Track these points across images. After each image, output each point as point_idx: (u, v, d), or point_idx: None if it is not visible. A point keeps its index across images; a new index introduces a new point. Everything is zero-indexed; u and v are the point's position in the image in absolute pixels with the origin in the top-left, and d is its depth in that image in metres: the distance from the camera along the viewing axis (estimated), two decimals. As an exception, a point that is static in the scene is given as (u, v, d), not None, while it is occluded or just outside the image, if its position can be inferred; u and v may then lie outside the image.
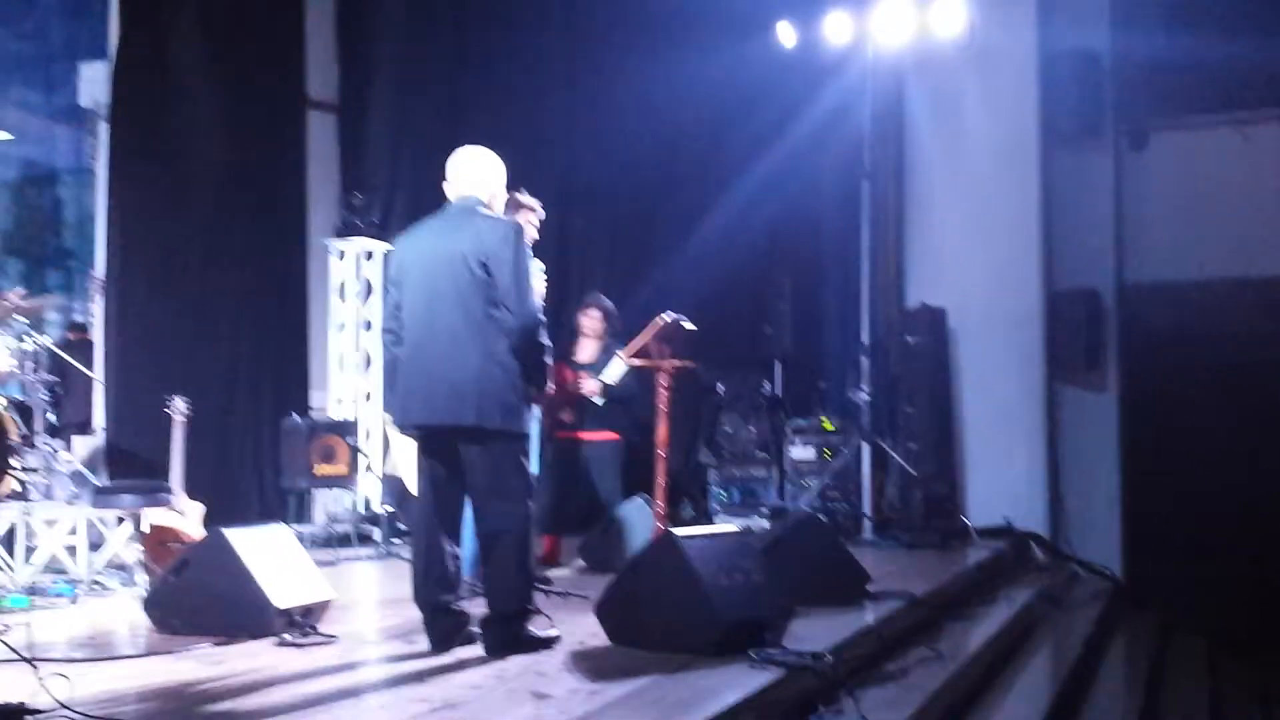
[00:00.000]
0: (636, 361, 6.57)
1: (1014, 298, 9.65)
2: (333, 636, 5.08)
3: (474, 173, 4.96)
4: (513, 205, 6.03)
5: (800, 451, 9.61)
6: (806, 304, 10.22)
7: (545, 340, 4.73)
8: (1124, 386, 10.05)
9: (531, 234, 6.17)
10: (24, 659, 4.25)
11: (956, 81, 9.59)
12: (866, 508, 9.15)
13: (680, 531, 4.87)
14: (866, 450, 9.18)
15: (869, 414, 9.15)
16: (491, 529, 4.71)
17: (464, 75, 9.99)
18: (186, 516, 6.69)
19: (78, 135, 10.05)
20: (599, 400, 7.16)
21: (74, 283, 10.33)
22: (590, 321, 7.48)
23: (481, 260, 4.65)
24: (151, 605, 5.34)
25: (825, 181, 10.06)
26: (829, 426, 9.56)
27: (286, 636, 5.04)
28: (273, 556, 5.37)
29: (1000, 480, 9.58)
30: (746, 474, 9.80)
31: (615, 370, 7.10)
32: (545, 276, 6.19)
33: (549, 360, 4.79)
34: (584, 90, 9.96)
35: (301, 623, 5.17)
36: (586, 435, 7.33)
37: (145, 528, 6.58)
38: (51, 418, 7.81)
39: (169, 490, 6.75)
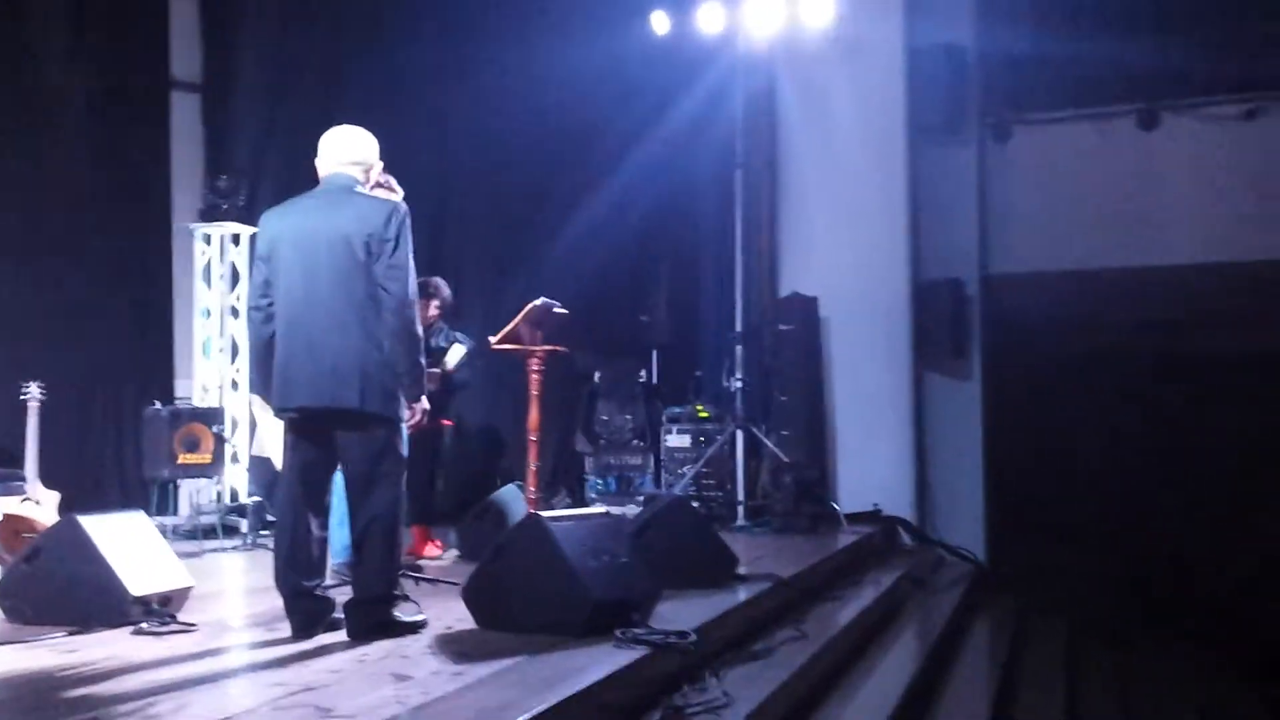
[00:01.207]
0: (506, 346, 6.52)
1: (882, 287, 9.82)
2: (192, 625, 4.97)
3: (350, 151, 4.87)
4: (374, 188, 5.95)
5: (676, 439, 9.67)
6: (683, 293, 10.30)
7: (418, 331, 4.65)
8: (987, 374, 10.29)
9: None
10: None
11: (826, 73, 9.72)
12: (740, 494, 9.24)
13: (547, 514, 4.86)
14: (740, 437, 9.26)
15: (743, 401, 9.23)
16: (366, 514, 4.64)
17: (335, 57, 9.82)
18: (41, 505, 6.48)
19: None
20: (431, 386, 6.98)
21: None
22: (424, 305, 6.97)
23: (365, 240, 4.57)
24: (2, 594, 5.17)
25: (701, 170, 10.12)
26: (704, 414, 9.64)
27: (144, 625, 4.92)
28: (129, 544, 5.23)
29: (870, 466, 9.75)
30: (623, 462, 9.84)
31: (454, 356, 6.96)
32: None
33: (423, 359, 4.69)
34: (460, 74, 9.85)
35: (159, 611, 5.04)
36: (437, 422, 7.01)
37: (-3, 517, 6.36)
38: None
39: (22, 478, 6.53)
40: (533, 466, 6.43)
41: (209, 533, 8.30)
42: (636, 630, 4.47)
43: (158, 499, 8.60)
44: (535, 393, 6.48)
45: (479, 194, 9.90)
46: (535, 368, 6.51)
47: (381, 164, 5.00)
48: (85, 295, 9.16)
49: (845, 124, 9.77)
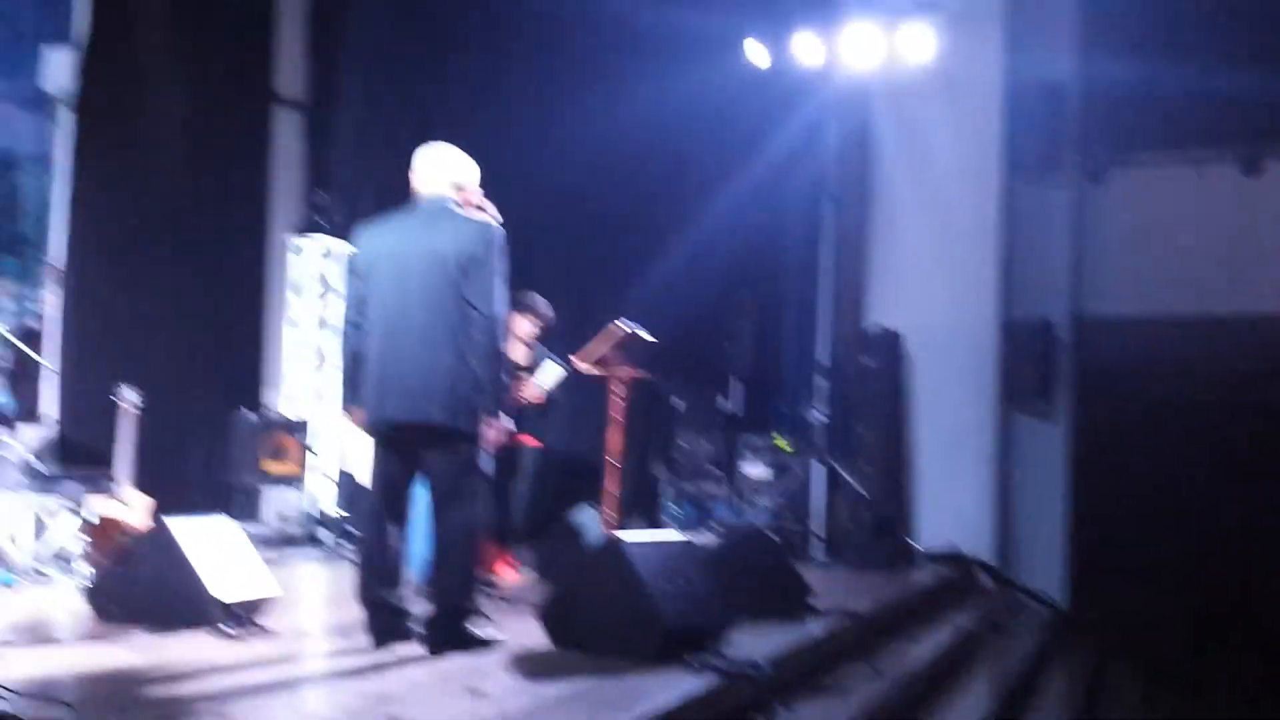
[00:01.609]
0: (592, 370, 6.57)
1: (970, 324, 9.72)
2: (272, 630, 5.06)
3: (447, 171, 4.97)
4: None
5: (754, 469, 9.65)
6: (768, 323, 10.28)
7: (504, 349, 4.72)
8: (1074, 417, 10.15)
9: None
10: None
11: (923, 107, 9.67)
12: (817, 527, 9.19)
13: (626, 536, 4.89)
14: (819, 470, 9.22)
15: (823, 434, 9.19)
16: (446, 529, 4.71)
17: (434, 80, 9.98)
18: (132, 507, 6.63)
19: (39, 121, 9.95)
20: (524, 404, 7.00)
21: (29, 270, 10.21)
22: (526, 324, 7.10)
23: (459, 260, 4.65)
24: (95, 594, 5.30)
25: (790, 201, 10.11)
26: (783, 445, 9.61)
27: (225, 628, 5.01)
28: (216, 549, 5.34)
29: (950, 505, 9.64)
30: (700, 489, 9.83)
31: (550, 375, 6.93)
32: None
33: (506, 378, 4.77)
34: (554, 100, 9.97)
35: (242, 616, 5.13)
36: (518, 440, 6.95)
37: (90, 517, 6.52)
38: (2, 399, 7.74)
39: (113, 480, 6.69)
40: (611, 490, 6.45)
41: (292, 542, 8.45)
42: (708, 658, 4.47)
43: (244, 506, 8.77)
44: (618, 418, 6.51)
45: (570, 218, 9.98)
46: (619, 393, 6.53)
47: (477, 184, 5.06)
48: (182, 303, 9.38)
49: (940, 159, 9.71)
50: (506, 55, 10.02)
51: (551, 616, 4.90)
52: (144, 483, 7.21)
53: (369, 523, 4.81)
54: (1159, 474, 10.14)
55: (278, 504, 9.29)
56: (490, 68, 9.98)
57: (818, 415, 9.19)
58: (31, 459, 7.57)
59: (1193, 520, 9.89)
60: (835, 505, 9.29)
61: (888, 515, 8.88)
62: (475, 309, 4.58)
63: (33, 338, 9.45)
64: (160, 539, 5.23)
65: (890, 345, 9.57)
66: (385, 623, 4.76)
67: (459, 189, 4.92)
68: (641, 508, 9.92)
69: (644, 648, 4.56)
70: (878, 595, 7.20)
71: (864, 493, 8.93)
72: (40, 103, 9.97)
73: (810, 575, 6.92)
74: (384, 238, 4.84)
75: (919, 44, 9.20)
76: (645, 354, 6.66)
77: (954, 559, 9.27)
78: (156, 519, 5.48)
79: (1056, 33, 9.94)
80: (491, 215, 6.11)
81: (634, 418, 9.31)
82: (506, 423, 4.77)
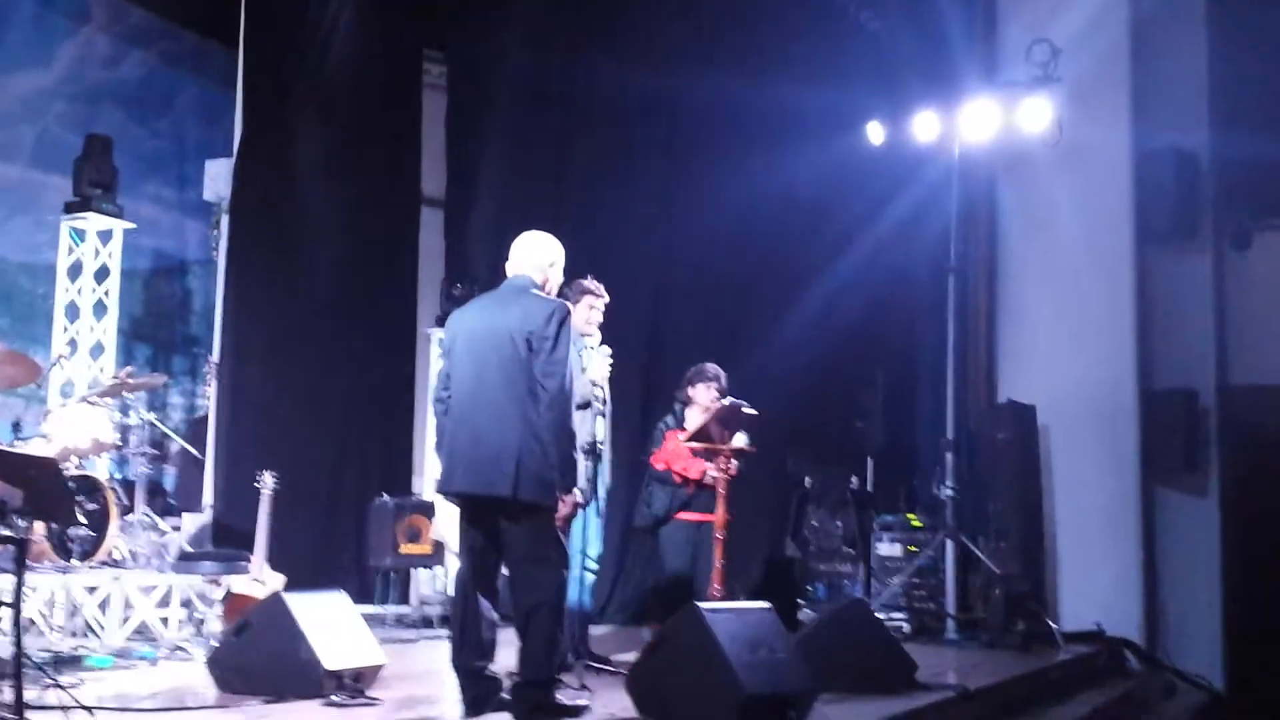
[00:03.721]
0: (696, 445, 6.69)
1: (1108, 396, 9.49)
2: (376, 699, 5.29)
3: (530, 254, 5.22)
4: (578, 290, 6.28)
5: (887, 548, 9.56)
6: (899, 398, 10.23)
7: (572, 426, 4.89)
8: (1226, 491, 9.75)
9: (595, 318, 6.40)
10: (82, 707, 4.59)
11: (1047, 178, 9.58)
12: (950, 606, 9.04)
13: (706, 605, 4.97)
14: (950, 547, 9.09)
15: (953, 510, 9.07)
16: (525, 599, 4.88)
17: (565, 169, 10.39)
18: (266, 585, 6.99)
19: (204, 228, 10.72)
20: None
21: (198, 368, 10.93)
22: (708, 393, 7.07)
23: (526, 337, 4.88)
24: (214, 664, 5.63)
25: (918, 275, 10.10)
26: (916, 522, 9.51)
27: (333, 697, 5.26)
28: (329, 621, 5.61)
29: (1093, 583, 9.36)
30: (833, 569, 9.79)
31: (742, 439, 6.81)
32: (612, 361, 6.34)
33: (576, 454, 4.93)
34: (681, 183, 10.23)
35: (350, 685, 5.38)
36: (703, 516, 6.82)
37: (226, 596, 6.91)
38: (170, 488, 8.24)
39: (248, 560, 7.07)
40: (717, 564, 6.51)
41: (429, 623, 8.73)
42: (787, 726, 4.51)
43: (387, 587, 9.12)
44: (722, 492, 6.59)
45: (694, 297, 10.15)
46: (723, 468, 6.62)
47: (559, 268, 5.27)
48: (335, 395, 9.88)
49: (1068, 228, 9.59)
50: (633, 138, 10.34)
51: (638, 685, 5.01)
52: (289, 564, 7.61)
53: (458, 594, 5.01)
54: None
55: (421, 586, 9.63)
56: (619, 150, 10.32)
57: (947, 491, 9.08)
58: (182, 542, 8.06)
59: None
60: (968, 583, 9.12)
61: (1022, 593, 8.66)
62: (543, 386, 4.78)
63: (202, 432, 10.09)
64: (276, 611, 5.53)
65: (1022, 418, 9.41)
66: (477, 691, 4.94)
67: (540, 270, 5.15)
68: (776, 588, 9.91)
69: (725, 716, 4.62)
70: (999, 673, 7.05)
71: (996, 570, 8.76)
72: (205, 211, 10.75)
73: (940, 655, 6.86)
74: (465, 317, 5.13)
75: (1038, 115, 9.15)
76: (750, 427, 6.72)
77: (1097, 638, 8.98)
78: (274, 593, 5.79)
79: (1185, 100, 9.74)
80: (600, 296, 6.38)
81: (761, 497, 9.44)
82: (577, 497, 4.92)
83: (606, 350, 6.29)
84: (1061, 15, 9.54)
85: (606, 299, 6.42)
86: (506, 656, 4.99)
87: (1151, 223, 9.68)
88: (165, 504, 10.06)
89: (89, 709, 4.59)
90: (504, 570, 5.05)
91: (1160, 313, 9.72)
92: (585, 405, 6.06)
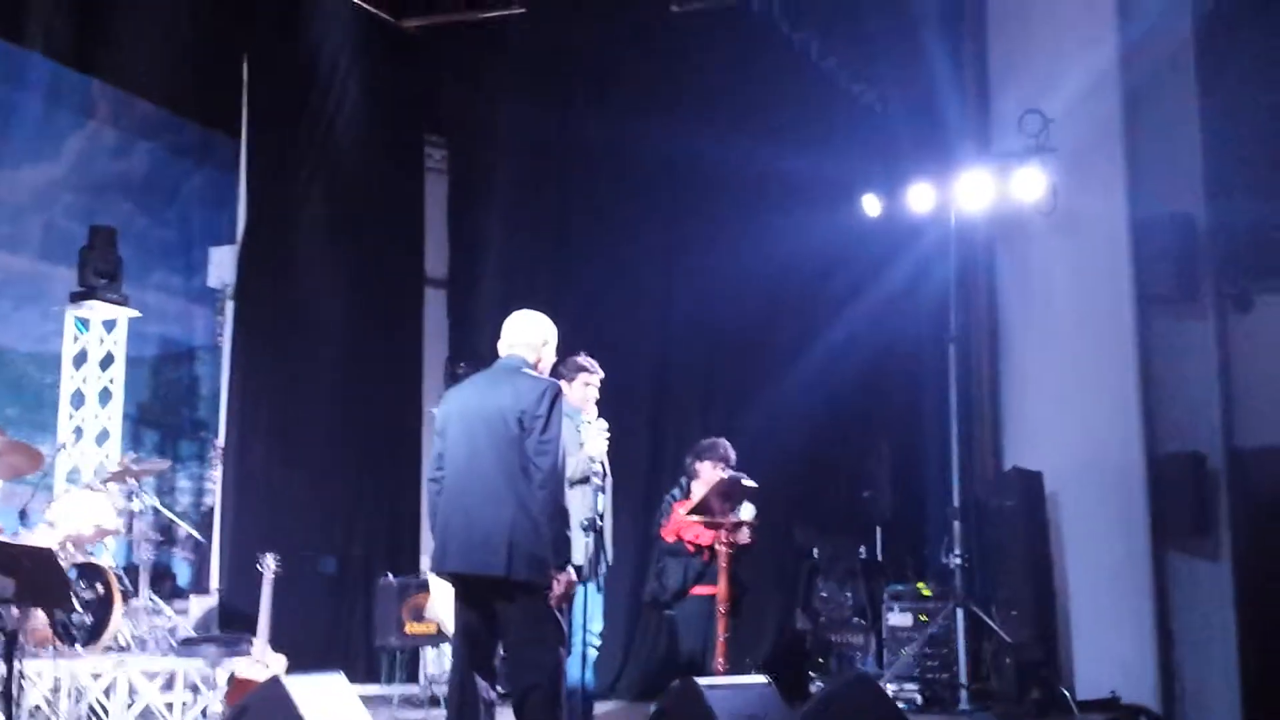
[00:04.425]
0: (695, 518, 6.68)
1: (1114, 461, 9.44)
2: (374, 781, 5.25)
3: (522, 333, 5.27)
4: (573, 368, 6.30)
5: (898, 618, 9.48)
6: (906, 468, 10.20)
7: (565, 504, 4.90)
8: (1239, 553, 9.63)
9: (592, 395, 6.42)
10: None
11: (1044, 246, 9.62)
12: (963, 675, 8.95)
13: (704, 680, 4.94)
14: (961, 616, 9.02)
15: (962, 578, 9.02)
16: (522, 679, 4.86)
17: (565, 242, 10.54)
18: (269, 668, 6.97)
19: (210, 315, 10.82)
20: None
21: (206, 453, 10.99)
22: (714, 471, 7.12)
23: (518, 415, 4.90)
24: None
25: (920, 344, 10.13)
26: (926, 592, 9.44)
27: (332, 781, 5.22)
28: (327, 704, 5.58)
29: (1107, 649, 9.24)
30: (844, 640, 9.70)
31: (749, 511, 6.93)
32: (609, 435, 6.35)
33: (570, 532, 4.93)
34: (681, 252, 10.36)
35: (348, 768, 5.35)
36: (709, 590, 6.86)
37: (228, 679, 6.90)
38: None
39: (249, 642, 7.06)
40: (721, 638, 6.49)
41: (437, 701, 8.67)
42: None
43: (394, 667, 9.07)
44: (724, 565, 6.58)
45: (696, 366, 10.24)
46: (725, 540, 6.62)
47: (552, 348, 5.31)
48: (342, 476, 9.92)
49: (1067, 295, 9.61)
50: (633, 208, 10.47)
51: (637, 762, 4.96)
52: (296, 645, 7.61)
53: (455, 674, 5.00)
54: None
55: (429, 666, 9.58)
56: (619, 220, 10.45)
57: (955, 559, 9.03)
58: (184, 626, 8.06)
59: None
60: (980, 652, 9.04)
61: (1035, 661, 8.58)
62: (534, 464, 4.79)
63: (210, 517, 10.15)
64: (274, 695, 5.50)
65: (1029, 485, 9.36)
66: (475, 771, 4.90)
67: (532, 349, 5.18)
68: (787, 660, 9.84)
69: (724, 792, 4.58)
70: (1011, 743, 6.96)
71: (1008, 638, 8.68)
72: (211, 297, 10.87)
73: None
74: (460, 397, 5.17)
75: (1031, 185, 9.24)
76: (751, 500, 6.72)
77: (1113, 706, 8.87)
78: (272, 676, 5.77)
79: (1180, 167, 9.74)
80: (594, 374, 6.41)
81: (769, 569, 9.41)
82: (572, 575, 4.91)
83: (603, 424, 6.29)
84: (1054, 87, 9.62)
85: (601, 375, 6.45)
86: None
87: (1151, 286, 9.68)
88: (173, 588, 10.06)
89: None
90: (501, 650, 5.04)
91: (1164, 376, 9.69)
92: (584, 480, 6.07)
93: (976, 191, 9.36)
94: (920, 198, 9.47)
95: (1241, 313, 10.03)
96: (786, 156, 9.60)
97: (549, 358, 5.35)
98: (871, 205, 9.62)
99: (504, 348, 5.25)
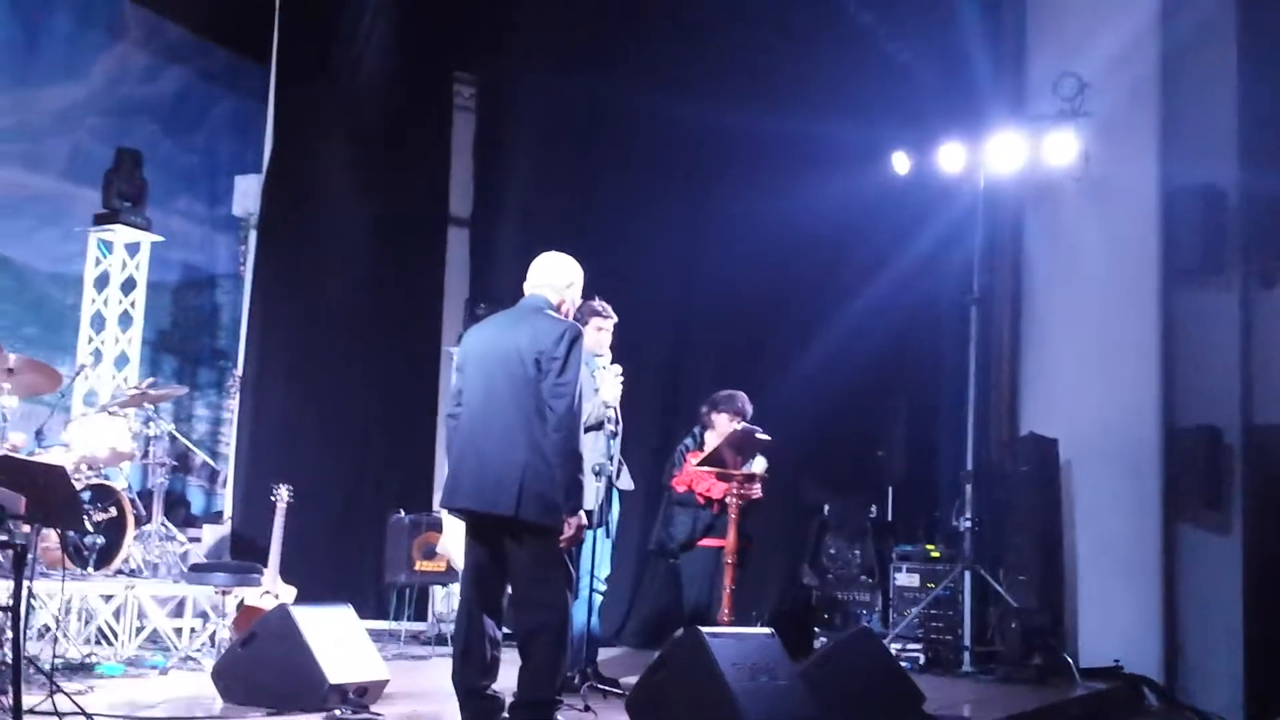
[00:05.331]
0: (707, 469, 6.68)
1: (1131, 431, 9.40)
2: (379, 714, 5.30)
3: (548, 274, 5.23)
4: (586, 312, 6.27)
5: (905, 578, 9.49)
6: (921, 429, 10.16)
7: (579, 448, 4.87)
8: (1249, 529, 9.63)
9: (605, 340, 6.41)
10: (83, 713, 4.63)
11: (1073, 212, 9.54)
12: (967, 638, 8.97)
13: (708, 629, 4.96)
14: (968, 579, 9.02)
15: (972, 542, 9.02)
16: (528, 620, 4.87)
17: (590, 192, 10.43)
18: (278, 598, 7.03)
19: (233, 243, 10.82)
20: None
21: (224, 382, 11.03)
22: (730, 423, 7.00)
23: (535, 356, 4.87)
24: (219, 675, 5.66)
25: (943, 306, 10.06)
26: (935, 554, 9.44)
27: (336, 711, 5.28)
28: (335, 635, 5.64)
29: (1112, 619, 9.25)
30: (850, 598, 9.73)
31: (761, 464, 6.94)
32: (622, 380, 6.33)
33: (581, 477, 4.91)
34: (706, 209, 10.26)
35: (353, 700, 5.40)
36: (724, 542, 6.75)
37: (237, 607, 6.96)
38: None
39: (260, 571, 7.11)
40: (727, 589, 6.50)
41: (444, 639, 8.72)
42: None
43: (403, 604, 9.12)
44: (734, 516, 6.58)
45: (717, 323, 10.16)
46: (736, 491, 6.62)
47: (577, 290, 5.28)
48: (359, 410, 9.93)
49: (1094, 263, 9.53)
50: (661, 165, 10.37)
51: (639, 707, 5.00)
52: (307, 578, 7.65)
53: (462, 612, 5.01)
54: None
55: (437, 604, 9.64)
56: (644, 175, 10.34)
57: (966, 523, 9.02)
58: (196, 553, 8.12)
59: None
60: (986, 616, 9.05)
61: (1039, 626, 8.59)
62: (550, 407, 4.78)
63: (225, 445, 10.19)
64: (282, 624, 5.55)
65: (1044, 451, 9.34)
66: (477, 710, 4.93)
67: (555, 290, 5.15)
68: (792, 615, 9.87)
69: (724, 741, 4.61)
70: (1011, 707, 6.99)
71: (1014, 603, 8.69)
72: (235, 226, 10.86)
73: (953, 686, 6.82)
74: (479, 335, 5.15)
75: (1064, 149, 9.14)
76: (764, 453, 6.71)
77: (1115, 675, 8.89)
78: (280, 605, 5.82)
79: (1214, 137, 9.65)
80: (608, 318, 6.39)
81: (779, 525, 9.41)
82: (583, 519, 4.90)
83: (617, 369, 6.28)
84: (1091, 49, 9.51)
85: (614, 320, 6.44)
86: (510, 676, 4.98)
87: (1178, 258, 9.61)
88: (186, 515, 10.13)
89: (89, 715, 4.61)
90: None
91: (1185, 349, 9.64)
92: (598, 426, 6.08)
93: (1008, 153, 9.27)
94: (951, 158, 9.38)
95: (1266, 289, 9.96)
96: (816, 115, 9.47)
97: (573, 300, 5.31)
98: (901, 163, 9.53)
99: (528, 287, 5.21)
